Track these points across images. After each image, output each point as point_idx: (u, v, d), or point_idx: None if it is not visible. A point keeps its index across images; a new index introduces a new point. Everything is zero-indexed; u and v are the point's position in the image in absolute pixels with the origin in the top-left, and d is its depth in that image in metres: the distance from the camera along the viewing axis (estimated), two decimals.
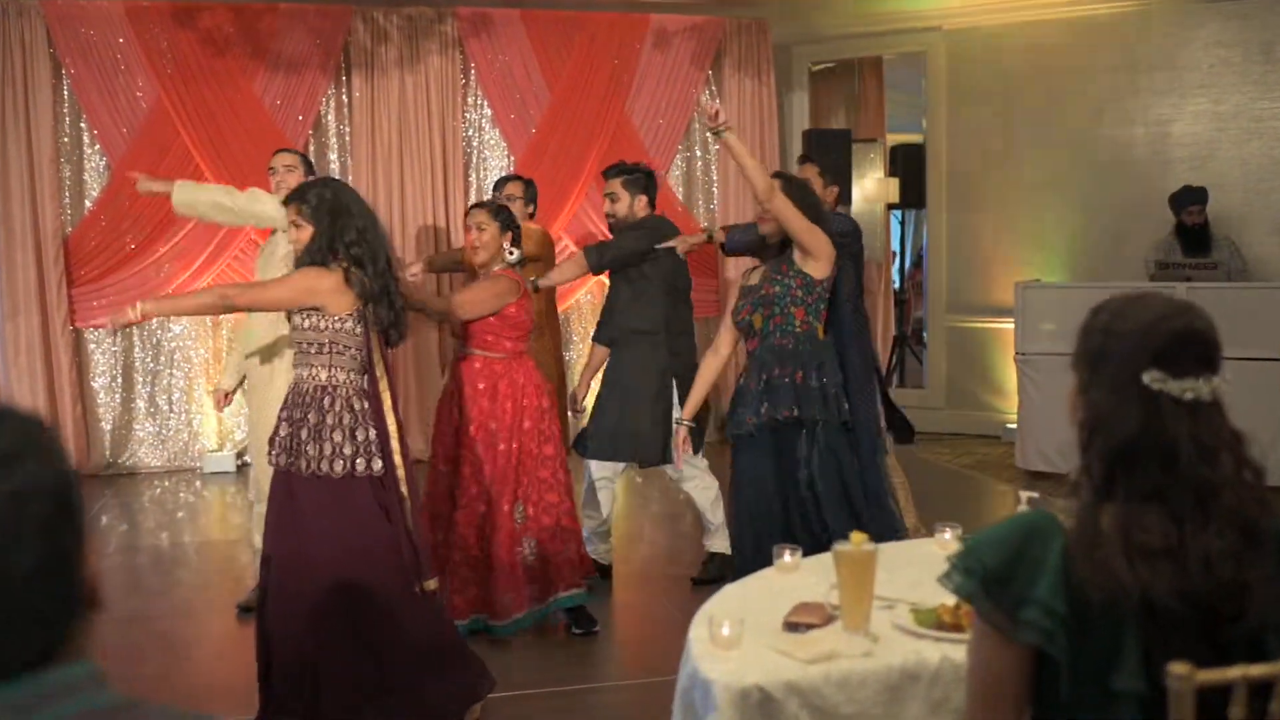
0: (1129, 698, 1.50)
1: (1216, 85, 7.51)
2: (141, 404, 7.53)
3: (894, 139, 9.57)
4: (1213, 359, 1.57)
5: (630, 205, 4.90)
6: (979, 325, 8.18)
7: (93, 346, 7.47)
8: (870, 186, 9.05)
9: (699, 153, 8.26)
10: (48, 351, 7.24)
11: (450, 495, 4.28)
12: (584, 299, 8.02)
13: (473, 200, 7.80)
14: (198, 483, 7.32)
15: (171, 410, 7.57)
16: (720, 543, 4.87)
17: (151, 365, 7.54)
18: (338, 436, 3.32)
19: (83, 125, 7.32)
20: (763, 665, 2.06)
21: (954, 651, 2.09)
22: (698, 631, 2.18)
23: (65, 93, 7.27)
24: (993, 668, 1.58)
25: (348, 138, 7.67)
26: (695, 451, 4.70)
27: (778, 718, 1.99)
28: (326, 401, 3.35)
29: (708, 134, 4.17)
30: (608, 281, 5.09)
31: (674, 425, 4.03)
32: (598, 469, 4.89)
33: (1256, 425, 1.64)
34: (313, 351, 3.39)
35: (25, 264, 7.14)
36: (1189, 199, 6.99)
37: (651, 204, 4.97)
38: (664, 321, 4.83)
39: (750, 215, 4.79)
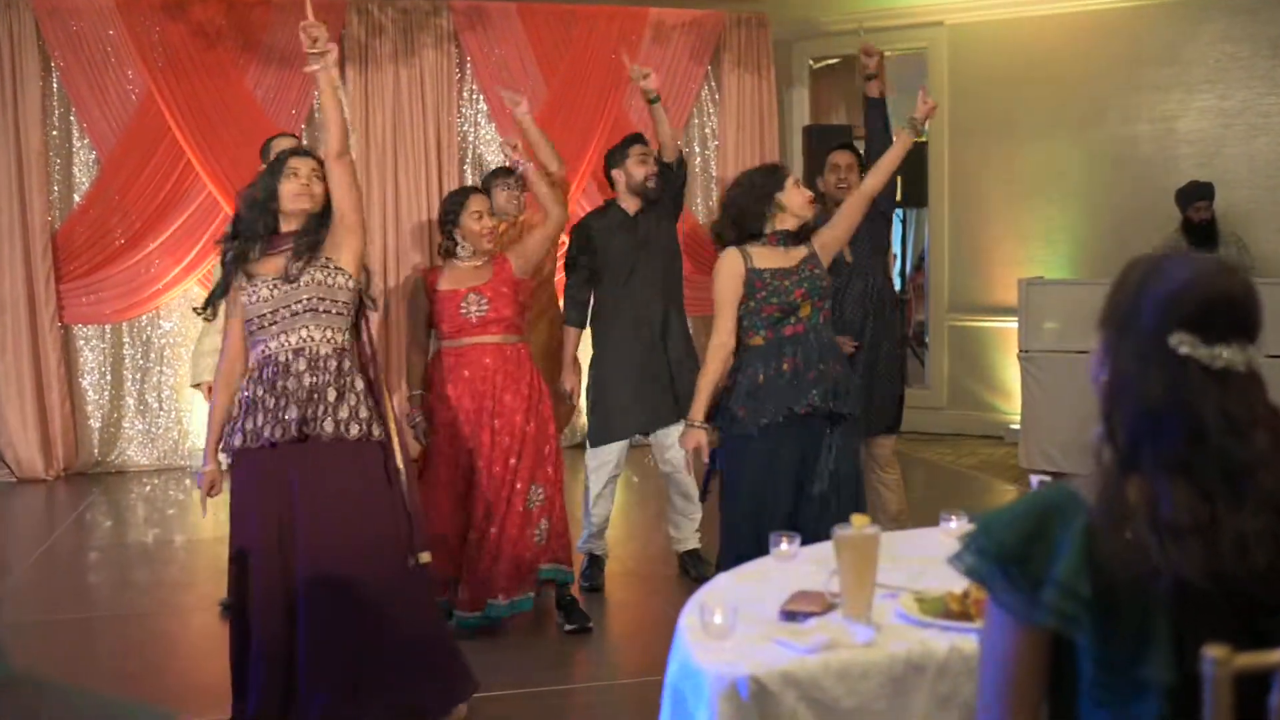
0: (1158, 689, 1.38)
1: (1223, 81, 7.41)
2: (131, 402, 7.42)
3: None
4: (1250, 327, 1.45)
5: None
6: (981, 324, 8.06)
7: (81, 343, 7.36)
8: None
9: (698, 148, 8.14)
10: (36, 348, 7.12)
11: (464, 480, 4.20)
12: None
13: None
14: (187, 481, 7.20)
15: (161, 408, 7.45)
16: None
17: (141, 363, 7.43)
18: (351, 400, 3.25)
19: (72, 119, 7.21)
20: (757, 655, 1.93)
21: (962, 642, 1.97)
22: (688, 620, 2.05)
23: (54, 86, 7.16)
24: (1007, 656, 1.45)
25: None
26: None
27: (773, 711, 1.86)
28: (346, 364, 3.29)
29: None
30: None
31: (688, 428, 3.78)
32: (608, 465, 4.84)
33: None
34: (333, 312, 3.29)
35: (13, 260, 7.03)
36: (1195, 194, 6.88)
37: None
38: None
39: None
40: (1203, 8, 7.40)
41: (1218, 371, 1.41)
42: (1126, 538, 1.37)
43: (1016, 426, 7.32)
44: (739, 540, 3.56)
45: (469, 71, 7.72)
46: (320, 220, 3.32)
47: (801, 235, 3.73)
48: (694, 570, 4.82)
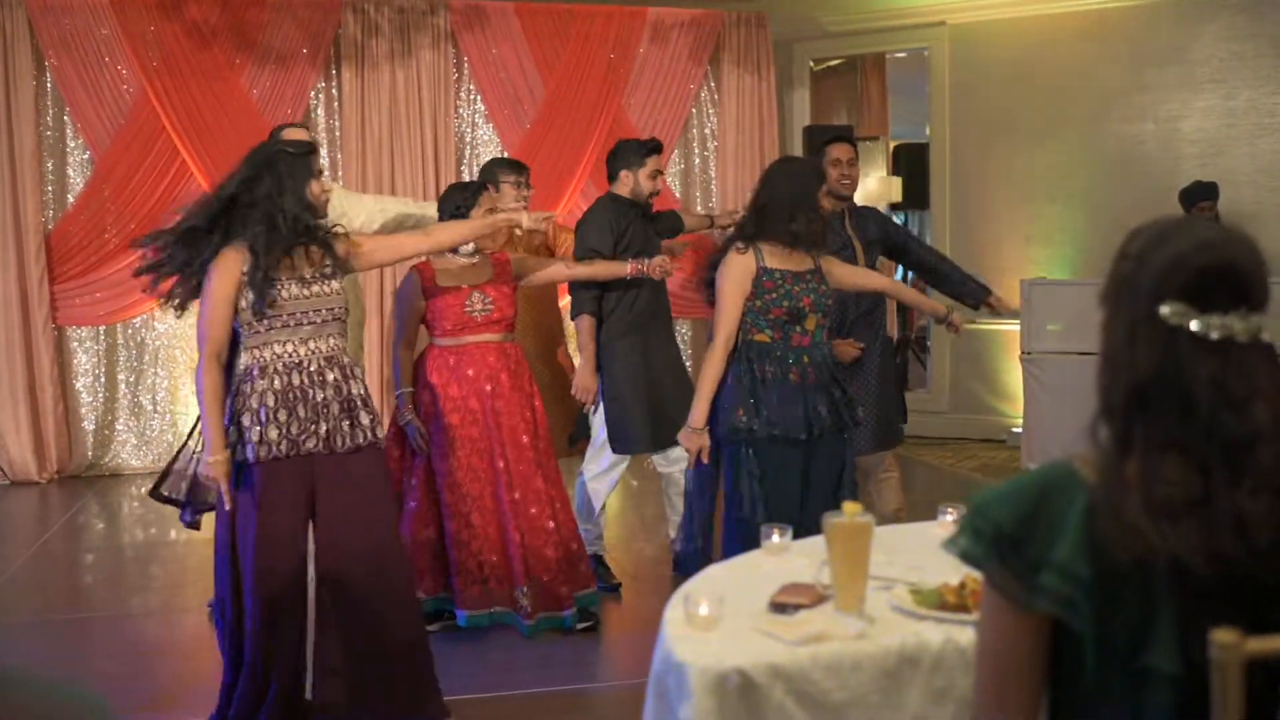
0: (1162, 677, 1.30)
1: (1227, 80, 7.34)
2: (124, 404, 7.35)
3: (896, 145, 9.40)
4: (1251, 295, 1.35)
5: None
6: (983, 326, 7.98)
7: (74, 345, 7.30)
8: (873, 185, 8.86)
9: (697, 149, 8.07)
10: (29, 350, 7.06)
11: (474, 482, 4.12)
12: None
13: None
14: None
15: (155, 410, 7.38)
16: None
17: (135, 364, 7.36)
18: (369, 407, 3.25)
19: (66, 118, 7.15)
20: (744, 648, 1.85)
21: (959, 634, 1.89)
22: (673, 612, 1.97)
23: (48, 85, 7.10)
24: (1004, 644, 1.37)
25: (337, 132, 7.49)
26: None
27: (760, 705, 1.78)
28: (358, 370, 3.28)
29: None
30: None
31: (689, 431, 3.70)
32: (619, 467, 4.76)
33: None
34: (342, 319, 3.26)
35: (5, 260, 6.97)
36: (1200, 194, 6.81)
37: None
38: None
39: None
40: (1206, 6, 7.33)
41: (1215, 343, 1.33)
42: (1126, 518, 1.29)
43: (1019, 429, 7.24)
44: (730, 547, 3.50)
45: (466, 72, 7.66)
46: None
47: (807, 244, 3.66)
48: (695, 571, 4.74)
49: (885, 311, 4.91)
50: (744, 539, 3.43)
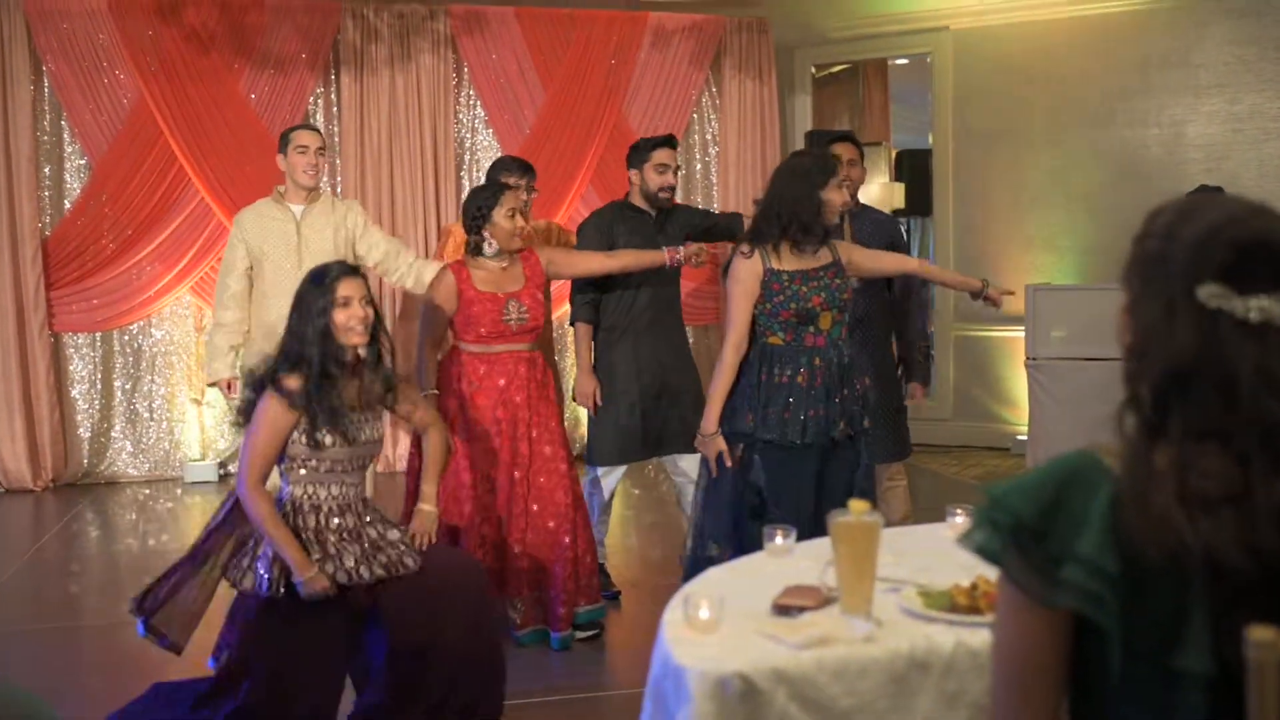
0: (1193, 678, 1.22)
1: (1232, 85, 7.28)
2: (121, 411, 7.28)
3: (899, 151, 9.34)
4: None
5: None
6: (987, 333, 7.91)
7: (71, 352, 7.23)
8: (875, 191, 8.80)
9: (698, 155, 8.02)
10: (24, 357, 7.00)
11: (497, 492, 4.05)
12: None
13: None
14: (178, 491, 7.06)
15: (152, 418, 7.31)
16: None
17: (131, 371, 7.29)
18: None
19: (63, 123, 7.10)
20: (746, 651, 1.78)
21: (970, 637, 1.81)
22: (672, 615, 1.89)
23: (45, 90, 7.05)
24: (1023, 643, 1.29)
25: (336, 137, 7.43)
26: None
27: (762, 711, 1.70)
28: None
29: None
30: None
31: (703, 438, 3.63)
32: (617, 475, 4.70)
33: None
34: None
35: (1, 266, 6.91)
36: None
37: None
38: None
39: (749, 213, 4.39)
40: (1209, 11, 7.28)
41: (1256, 325, 1.26)
42: (1156, 510, 1.22)
43: (1024, 437, 7.16)
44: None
45: (466, 77, 7.61)
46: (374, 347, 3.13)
47: (819, 239, 3.56)
48: None
49: (885, 319, 4.78)
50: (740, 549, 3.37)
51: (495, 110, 7.57)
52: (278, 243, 4.62)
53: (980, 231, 7.97)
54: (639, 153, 4.64)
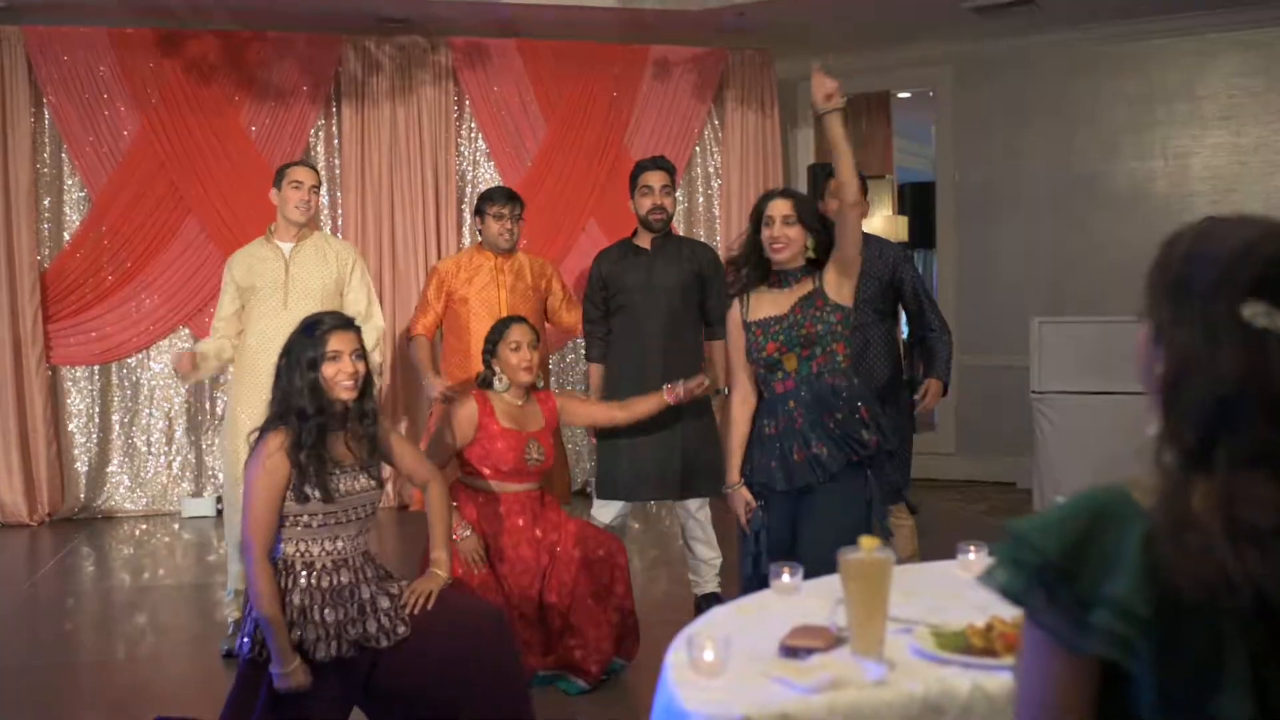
0: None
1: (1237, 116, 7.27)
2: (118, 445, 7.21)
3: (902, 184, 9.33)
4: None
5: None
6: (992, 364, 7.84)
7: (69, 385, 7.17)
8: (878, 224, 8.77)
9: (700, 187, 7.98)
10: (21, 390, 6.94)
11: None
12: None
13: (466, 235, 7.53)
14: (176, 526, 6.98)
15: (149, 452, 7.24)
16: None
17: (130, 405, 7.23)
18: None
19: (63, 155, 7.07)
20: (752, 694, 1.70)
21: (986, 680, 1.74)
22: (676, 656, 1.82)
23: (45, 121, 7.04)
24: (1049, 690, 1.22)
25: (337, 170, 7.41)
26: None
27: None
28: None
29: (816, 111, 3.58)
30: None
31: (728, 491, 3.53)
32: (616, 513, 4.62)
33: None
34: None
35: None
36: None
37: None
38: None
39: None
40: (1215, 43, 7.27)
41: None
42: (1196, 547, 1.14)
43: (1030, 470, 7.08)
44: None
45: (467, 109, 7.59)
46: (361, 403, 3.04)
47: (804, 268, 3.48)
48: None
49: (883, 352, 4.72)
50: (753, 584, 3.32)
51: (497, 143, 7.55)
52: (265, 280, 4.54)
53: (984, 263, 7.92)
54: (632, 183, 4.63)
